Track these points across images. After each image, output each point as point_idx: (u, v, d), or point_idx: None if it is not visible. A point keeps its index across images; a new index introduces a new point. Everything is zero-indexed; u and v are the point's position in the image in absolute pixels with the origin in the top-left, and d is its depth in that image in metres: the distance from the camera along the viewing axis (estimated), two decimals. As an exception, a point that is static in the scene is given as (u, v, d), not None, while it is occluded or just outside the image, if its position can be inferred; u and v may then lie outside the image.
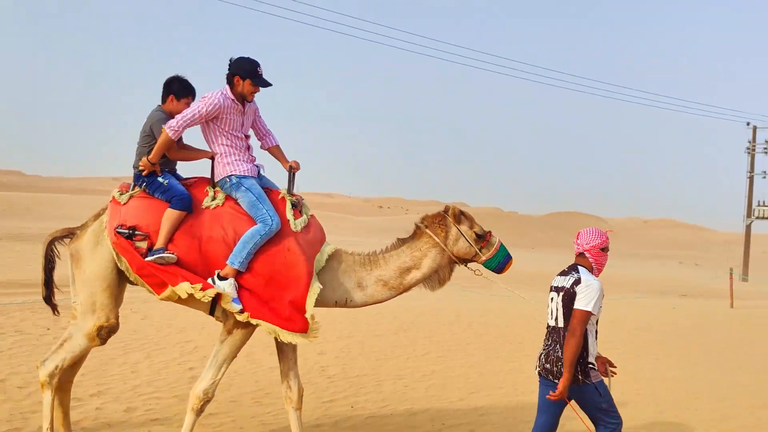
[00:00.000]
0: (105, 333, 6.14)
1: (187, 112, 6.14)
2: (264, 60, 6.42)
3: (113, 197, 6.27)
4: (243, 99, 6.37)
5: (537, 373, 5.63)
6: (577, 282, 5.38)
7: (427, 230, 6.43)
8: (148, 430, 7.28)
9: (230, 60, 6.33)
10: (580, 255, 5.62)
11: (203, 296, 5.90)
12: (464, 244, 6.36)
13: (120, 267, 6.11)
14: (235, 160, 6.33)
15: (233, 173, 6.28)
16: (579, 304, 5.30)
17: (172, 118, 6.19)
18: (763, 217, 51.21)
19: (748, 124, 52.63)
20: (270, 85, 6.40)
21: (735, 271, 28.92)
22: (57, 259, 6.47)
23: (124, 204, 6.21)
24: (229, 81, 6.32)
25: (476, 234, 6.38)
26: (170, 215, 6.07)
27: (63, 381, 6.36)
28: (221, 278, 5.97)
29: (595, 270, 5.57)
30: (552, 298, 5.55)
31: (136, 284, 6.25)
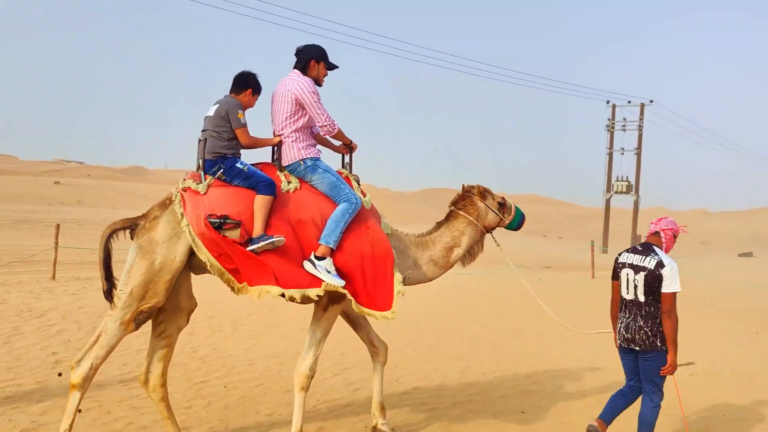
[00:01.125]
0: (144, 317, 5.97)
1: (321, 105, 6.39)
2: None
3: (188, 187, 6.10)
4: (316, 83, 6.53)
5: (618, 345, 6.35)
6: (661, 265, 6.06)
7: (461, 212, 7.06)
8: (9, 418, 7.00)
9: (298, 49, 6.55)
10: (655, 234, 6.35)
11: (315, 294, 6.12)
12: (492, 215, 7.12)
13: (200, 258, 5.94)
14: (308, 144, 6.48)
15: (308, 156, 6.41)
16: (670, 288, 6.01)
17: (241, 106, 6.27)
18: (621, 192, 53.75)
19: (607, 102, 54.76)
20: (337, 67, 6.70)
21: (596, 244, 30.29)
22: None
23: (205, 193, 6.05)
24: (303, 67, 6.49)
25: (498, 203, 7.17)
26: (262, 201, 6.01)
27: (157, 383, 6.31)
28: (318, 258, 6.08)
29: (664, 250, 6.29)
30: (628, 274, 6.21)
31: (198, 274, 6.31)
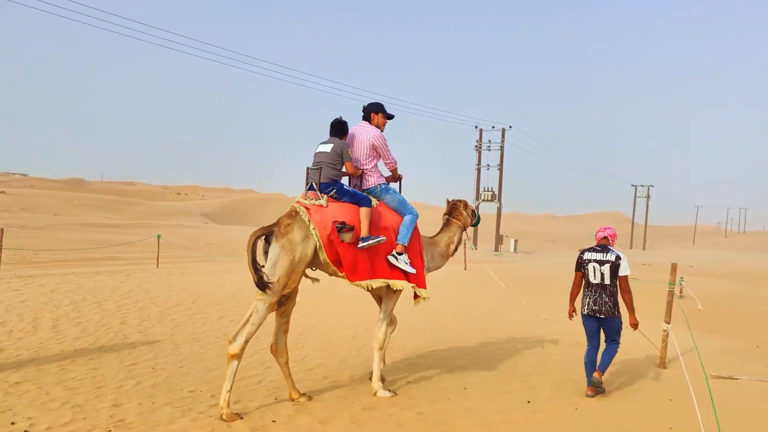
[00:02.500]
0: (283, 299, 6.87)
1: (389, 148, 7.48)
2: None
3: (314, 204, 6.89)
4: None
5: (584, 314, 7.48)
6: (618, 257, 7.35)
7: (454, 219, 8.49)
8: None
9: (364, 106, 7.61)
10: (604, 238, 7.63)
11: (402, 286, 7.18)
12: (469, 219, 8.55)
13: (320, 255, 6.77)
14: (380, 174, 7.53)
15: (381, 182, 7.50)
16: (625, 272, 7.34)
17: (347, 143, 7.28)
18: (487, 200, 55.13)
19: (476, 127, 56.08)
20: (393, 116, 7.72)
21: (468, 243, 30.84)
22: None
23: (326, 207, 6.88)
24: (366, 117, 7.57)
25: (471, 211, 8.63)
26: (366, 212, 7.00)
27: (283, 350, 7.03)
28: (399, 253, 7.22)
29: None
30: (594, 267, 7.40)
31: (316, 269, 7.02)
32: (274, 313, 6.89)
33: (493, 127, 55.99)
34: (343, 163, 7.16)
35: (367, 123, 7.54)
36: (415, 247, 7.47)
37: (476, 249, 48.04)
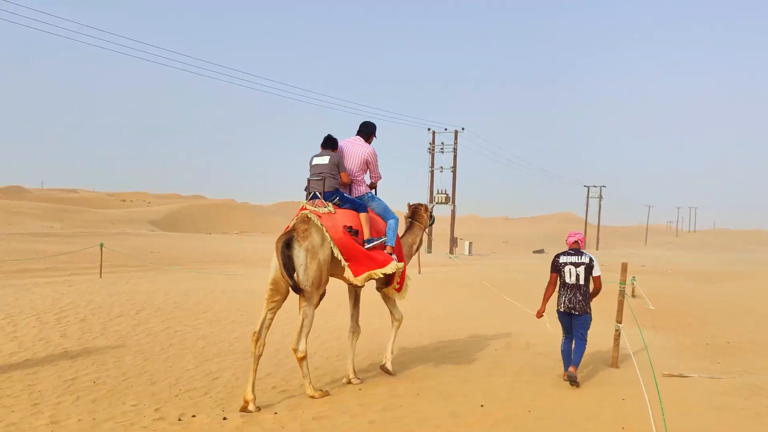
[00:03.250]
0: (322, 298, 7.65)
1: (377, 165, 8.43)
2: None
3: (325, 212, 7.65)
4: None
5: (560, 311, 8.35)
6: (591, 260, 8.30)
7: (416, 222, 9.43)
8: None
9: (365, 123, 8.51)
10: (575, 242, 8.44)
11: (396, 268, 8.06)
12: (428, 220, 9.49)
13: (335, 254, 7.49)
14: (366, 185, 8.37)
15: (368, 191, 8.37)
16: (598, 272, 8.30)
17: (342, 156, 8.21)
18: (441, 203, 55.30)
19: (429, 129, 56.22)
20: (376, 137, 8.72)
21: (423, 247, 30.95)
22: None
23: (334, 213, 7.69)
24: (363, 133, 8.44)
25: (430, 213, 9.56)
26: (366, 217, 7.98)
27: (262, 342, 7.37)
28: (389, 254, 8.13)
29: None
30: (570, 269, 8.27)
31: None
32: (265, 304, 7.39)
33: (445, 129, 55.99)
34: (339, 173, 7.98)
35: (361, 140, 8.37)
36: (399, 247, 8.49)
37: (430, 252, 48.50)
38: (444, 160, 73.50)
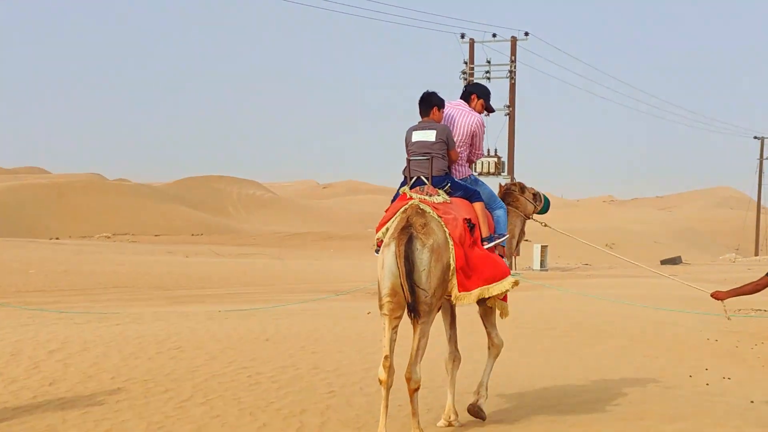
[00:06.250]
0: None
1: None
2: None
3: (438, 201, 6.58)
4: None
5: None
6: None
7: (510, 207, 7.70)
8: None
9: (476, 84, 7.60)
10: None
11: (513, 284, 6.76)
12: (529, 205, 7.94)
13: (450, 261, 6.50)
14: (468, 164, 7.38)
15: (471, 174, 7.39)
16: None
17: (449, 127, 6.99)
18: (488, 172, 46.24)
19: (462, 36, 36.98)
20: (493, 111, 8.17)
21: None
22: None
23: (450, 203, 6.66)
24: (466, 97, 7.37)
25: (532, 194, 8.01)
26: (482, 208, 6.92)
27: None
28: (501, 255, 7.12)
29: None
30: None
31: None
32: (387, 322, 6.37)
33: (494, 36, 35.00)
34: (449, 151, 6.90)
35: (465, 104, 7.34)
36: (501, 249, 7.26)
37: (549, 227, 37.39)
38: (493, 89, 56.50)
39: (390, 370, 6.31)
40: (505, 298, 6.97)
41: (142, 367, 8.71)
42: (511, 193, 7.91)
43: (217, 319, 13.51)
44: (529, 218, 7.97)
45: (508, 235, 7.13)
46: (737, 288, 7.43)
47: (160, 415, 7.14)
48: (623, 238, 61.71)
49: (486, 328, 7.22)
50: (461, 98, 7.39)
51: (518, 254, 8.01)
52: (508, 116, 36.46)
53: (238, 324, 12.44)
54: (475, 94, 7.36)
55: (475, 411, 7.03)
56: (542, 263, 36.16)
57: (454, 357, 7.18)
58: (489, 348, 7.27)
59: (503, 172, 35.43)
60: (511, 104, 36.27)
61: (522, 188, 8.00)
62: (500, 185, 8.06)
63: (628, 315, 14.49)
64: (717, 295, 7.54)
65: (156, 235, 56.22)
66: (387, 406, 6.37)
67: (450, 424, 7.04)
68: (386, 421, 6.37)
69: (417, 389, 6.32)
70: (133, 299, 18.62)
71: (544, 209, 8.13)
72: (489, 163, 34.60)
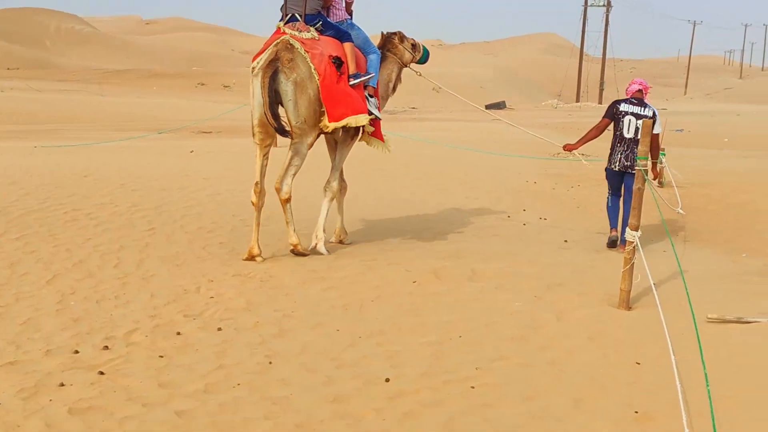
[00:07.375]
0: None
1: None
2: None
3: (307, 37, 6.98)
4: None
5: (612, 169, 7.93)
6: (655, 114, 7.87)
7: (389, 53, 8.25)
8: None
9: None
10: (639, 92, 7.98)
11: (367, 121, 7.24)
12: (407, 53, 8.32)
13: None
14: (344, 8, 7.59)
15: (347, 17, 7.61)
16: (658, 130, 7.96)
17: None
18: None
19: None
20: None
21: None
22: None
23: (318, 40, 7.03)
24: None
25: (411, 44, 8.36)
26: (351, 48, 7.25)
27: (262, 194, 7.13)
28: (370, 96, 7.46)
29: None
30: (630, 120, 7.80)
31: None
32: (258, 150, 7.09)
33: None
34: None
35: None
36: (377, 90, 7.67)
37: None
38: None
39: (261, 193, 7.05)
40: (380, 136, 7.70)
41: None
42: (390, 41, 8.30)
43: (34, 154, 13.08)
44: (406, 66, 8.37)
45: (372, 74, 7.43)
46: (583, 137, 8.14)
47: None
48: (449, 82, 63.17)
49: (332, 167, 7.64)
50: None
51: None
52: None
53: (57, 160, 12.12)
54: None
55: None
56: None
57: (341, 186, 7.87)
58: (324, 189, 7.53)
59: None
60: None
61: (402, 37, 8.34)
62: (382, 33, 8.34)
63: (453, 157, 14.97)
64: (568, 147, 8.26)
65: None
66: (258, 224, 7.12)
67: (341, 242, 7.88)
68: (258, 236, 7.11)
69: (287, 200, 7.09)
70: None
71: (423, 59, 8.48)
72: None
